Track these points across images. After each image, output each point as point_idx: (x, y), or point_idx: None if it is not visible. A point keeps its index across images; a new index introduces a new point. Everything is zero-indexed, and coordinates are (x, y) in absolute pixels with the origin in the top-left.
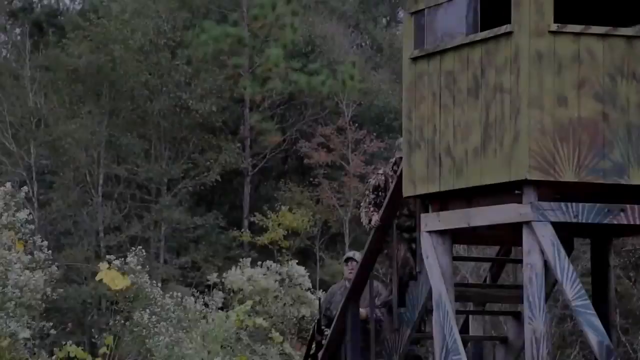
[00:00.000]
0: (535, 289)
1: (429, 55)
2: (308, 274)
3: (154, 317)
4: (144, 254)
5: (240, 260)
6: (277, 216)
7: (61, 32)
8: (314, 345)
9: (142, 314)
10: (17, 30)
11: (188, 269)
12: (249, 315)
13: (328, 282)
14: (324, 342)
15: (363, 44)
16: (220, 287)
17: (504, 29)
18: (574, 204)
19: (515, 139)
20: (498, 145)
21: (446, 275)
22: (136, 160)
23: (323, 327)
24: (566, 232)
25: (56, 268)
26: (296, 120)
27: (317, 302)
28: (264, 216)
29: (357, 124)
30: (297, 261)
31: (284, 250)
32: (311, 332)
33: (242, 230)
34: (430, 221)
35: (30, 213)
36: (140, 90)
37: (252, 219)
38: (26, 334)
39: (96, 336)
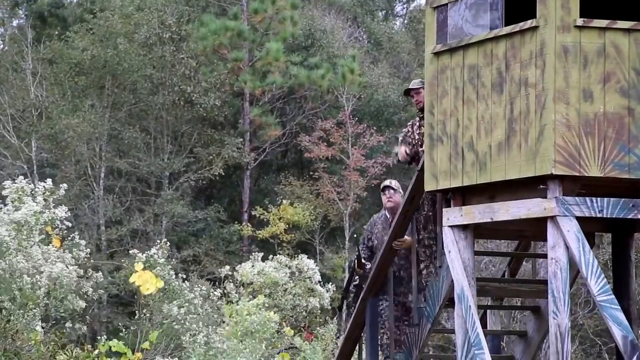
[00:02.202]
0: (560, 283)
1: (452, 50)
2: (318, 267)
3: (182, 309)
4: (168, 245)
5: (241, 253)
6: (278, 210)
7: (63, 24)
8: (356, 278)
9: (171, 307)
10: (15, 23)
11: (189, 263)
12: (259, 308)
13: (328, 275)
14: (367, 274)
15: (360, 38)
16: (231, 280)
17: (529, 23)
18: (598, 198)
19: (541, 133)
20: (523, 139)
21: (468, 270)
22: (138, 154)
23: (364, 261)
24: (588, 227)
25: (101, 275)
26: (296, 114)
27: (356, 246)
28: (265, 210)
29: (357, 118)
30: (306, 255)
31: (284, 244)
32: (352, 266)
33: (243, 224)
34: (452, 216)
35: (68, 210)
36: (143, 84)
37: (253, 212)
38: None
39: (124, 330)
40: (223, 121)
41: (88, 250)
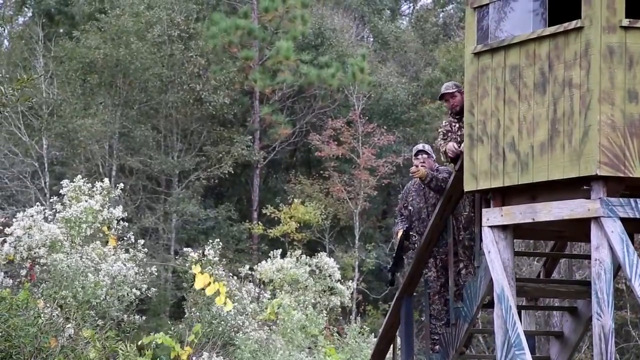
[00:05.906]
0: (604, 284)
1: (493, 50)
2: (338, 265)
3: (233, 309)
4: (220, 245)
5: (251, 252)
6: (289, 209)
7: (71, 21)
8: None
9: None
10: (20, 20)
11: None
12: (279, 307)
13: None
14: (413, 246)
15: (367, 37)
16: (251, 278)
17: (574, 24)
18: None
19: (585, 134)
20: (566, 140)
21: (508, 270)
22: (149, 152)
23: (411, 233)
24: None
25: (155, 270)
26: (306, 113)
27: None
28: (276, 209)
29: (367, 117)
30: (325, 253)
31: (295, 243)
32: (401, 238)
33: (253, 222)
34: (492, 216)
35: (125, 210)
36: (154, 82)
37: (264, 211)
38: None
39: (174, 328)
40: (232, 119)
41: (146, 250)
